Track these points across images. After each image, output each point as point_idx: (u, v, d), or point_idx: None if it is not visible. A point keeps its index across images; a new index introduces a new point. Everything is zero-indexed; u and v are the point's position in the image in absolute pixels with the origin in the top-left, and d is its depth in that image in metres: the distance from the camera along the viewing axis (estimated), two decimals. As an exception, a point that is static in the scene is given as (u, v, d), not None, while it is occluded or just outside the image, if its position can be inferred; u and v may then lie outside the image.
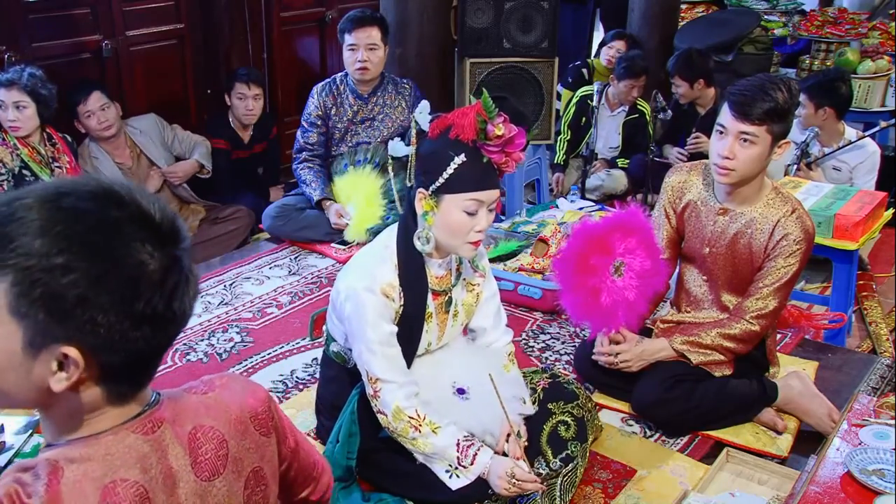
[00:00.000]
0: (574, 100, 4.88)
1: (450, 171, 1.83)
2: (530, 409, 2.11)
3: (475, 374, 2.00)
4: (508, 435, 2.00)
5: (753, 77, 2.28)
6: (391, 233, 2.01)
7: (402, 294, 1.95)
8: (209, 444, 1.06)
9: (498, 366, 2.10)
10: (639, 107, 4.82)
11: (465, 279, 2.12)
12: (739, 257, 2.37)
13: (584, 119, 4.95)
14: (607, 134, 4.84)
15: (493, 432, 1.99)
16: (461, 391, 1.99)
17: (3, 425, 1.82)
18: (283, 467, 1.24)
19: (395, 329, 1.96)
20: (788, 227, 2.27)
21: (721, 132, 2.25)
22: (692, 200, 2.44)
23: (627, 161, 4.87)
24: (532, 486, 1.92)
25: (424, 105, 1.92)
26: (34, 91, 3.31)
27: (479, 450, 1.94)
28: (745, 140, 2.20)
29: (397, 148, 1.97)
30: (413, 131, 1.92)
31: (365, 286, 1.91)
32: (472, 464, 1.92)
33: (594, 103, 4.71)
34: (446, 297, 2.06)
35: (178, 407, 1.06)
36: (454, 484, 1.93)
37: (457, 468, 1.93)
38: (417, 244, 1.93)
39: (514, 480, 1.89)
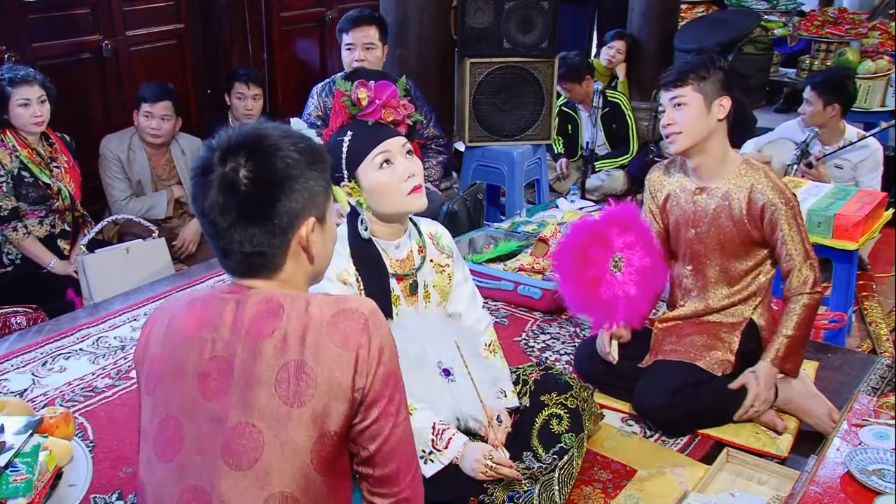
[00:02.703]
0: (554, 112, 4.96)
1: (346, 150, 1.95)
2: (514, 402, 2.11)
3: (459, 356, 2.01)
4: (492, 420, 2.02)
5: None
6: (346, 225, 2.06)
7: (359, 279, 1.99)
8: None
9: (476, 346, 2.11)
10: (610, 99, 4.96)
11: (431, 260, 2.13)
12: (724, 232, 2.43)
13: (569, 127, 5.03)
14: (591, 133, 4.91)
15: (478, 416, 2.00)
16: (447, 372, 1.99)
17: (3, 425, 1.81)
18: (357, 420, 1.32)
19: None
20: (768, 195, 2.35)
21: (663, 111, 2.44)
22: (672, 191, 2.54)
23: (619, 159, 5.01)
24: (508, 471, 1.93)
25: (296, 121, 2.02)
26: (45, 84, 3.36)
27: (453, 434, 1.94)
28: (678, 105, 2.36)
29: None
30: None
31: None
32: (445, 447, 1.93)
33: (596, 102, 4.73)
34: (410, 281, 2.07)
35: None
36: (428, 470, 1.92)
37: (431, 452, 1.93)
38: (360, 230, 2.00)
39: (490, 464, 1.91)
